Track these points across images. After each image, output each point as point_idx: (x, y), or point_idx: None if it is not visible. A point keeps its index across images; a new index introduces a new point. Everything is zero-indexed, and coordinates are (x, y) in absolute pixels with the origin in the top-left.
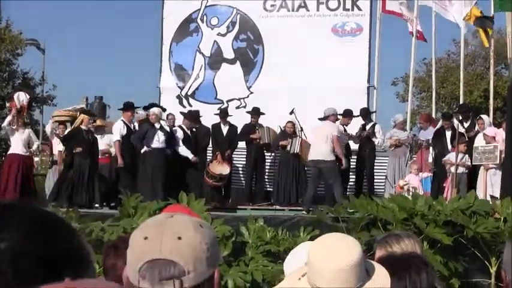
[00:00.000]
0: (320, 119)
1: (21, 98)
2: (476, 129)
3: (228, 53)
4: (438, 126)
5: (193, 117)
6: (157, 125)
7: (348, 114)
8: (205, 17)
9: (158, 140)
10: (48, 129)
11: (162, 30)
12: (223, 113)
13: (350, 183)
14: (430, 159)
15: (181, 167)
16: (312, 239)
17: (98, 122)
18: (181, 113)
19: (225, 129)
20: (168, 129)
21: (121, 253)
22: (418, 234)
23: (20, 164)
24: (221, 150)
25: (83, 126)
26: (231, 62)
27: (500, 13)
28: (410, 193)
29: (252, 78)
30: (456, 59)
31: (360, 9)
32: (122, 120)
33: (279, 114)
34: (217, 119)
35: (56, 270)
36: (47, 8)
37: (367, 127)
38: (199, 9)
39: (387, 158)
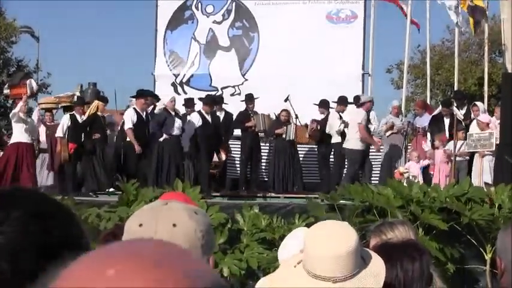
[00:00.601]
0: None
1: (33, 84)
2: (471, 116)
3: (224, 41)
4: (436, 112)
5: (214, 101)
6: (173, 113)
7: (342, 101)
8: (200, 4)
9: (178, 128)
10: (35, 116)
11: (156, 17)
12: (218, 101)
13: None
14: (426, 148)
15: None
16: (307, 226)
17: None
18: (199, 98)
19: (220, 116)
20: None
21: (118, 240)
22: (413, 220)
23: (29, 152)
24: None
25: (99, 113)
26: (227, 49)
27: (495, 0)
28: (409, 180)
29: (247, 66)
30: (451, 46)
31: None
32: (134, 108)
33: (274, 101)
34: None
35: (54, 258)
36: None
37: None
38: None
39: (383, 146)
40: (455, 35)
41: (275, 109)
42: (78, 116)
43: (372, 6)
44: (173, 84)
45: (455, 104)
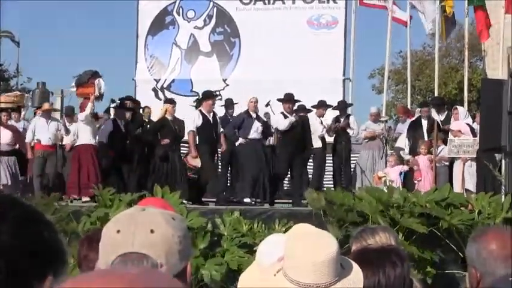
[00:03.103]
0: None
1: (102, 84)
2: (452, 121)
3: (205, 46)
4: (415, 117)
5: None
6: (253, 115)
7: (322, 105)
8: (181, 9)
9: (256, 131)
10: None
11: (137, 22)
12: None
13: (326, 176)
14: (403, 154)
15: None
16: (286, 231)
17: (46, 106)
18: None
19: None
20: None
21: (95, 245)
22: (393, 225)
23: (96, 154)
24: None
25: (168, 116)
26: (208, 55)
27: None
28: (387, 185)
29: (228, 71)
30: (432, 51)
31: (335, 1)
32: (200, 110)
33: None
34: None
35: (43, 265)
36: (22, 2)
37: (341, 119)
38: (175, 2)
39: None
40: (436, 41)
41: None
42: (119, 122)
43: (353, 12)
44: (154, 90)
45: (433, 110)
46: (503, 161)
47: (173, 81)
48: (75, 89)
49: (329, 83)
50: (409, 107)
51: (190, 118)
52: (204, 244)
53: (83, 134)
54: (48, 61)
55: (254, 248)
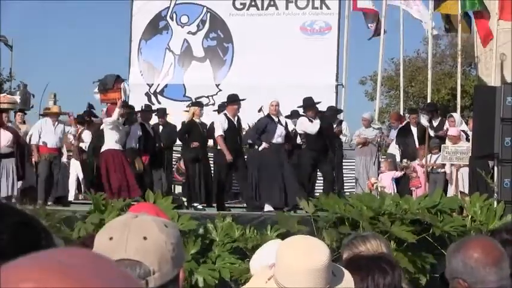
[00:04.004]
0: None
1: (127, 89)
2: (446, 128)
3: (198, 52)
4: (404, 123)
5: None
6: (276, 118)
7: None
8: (174, 15)
9: (280, 135)
10: None
11: (131, 27)
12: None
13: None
14: (397, 160)
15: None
16: (280, 236)
17: (54, 109)
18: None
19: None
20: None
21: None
22: (384, 233)
23: (125, 159)
24: None
25: (195, 119)
26: (201, 60)
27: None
28: (379, 191)
29: (221, 76)
30: (426, 57)
31: (328, 8)
32: (225, 113)
33: (248, 112)
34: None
35: None
36: (16, 5)
37: (334, 126)
38: (169, 7)
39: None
40: (429, 47)
41: (248, 119)
42: (147, 125)
43: (346, 18)
44: (147, 94)
45: (426, 117)
46: (495, 168)
47: (166, 86)
48: (98, 95)
49: (322, 88)
50: (401, 113)
51: (217, 122)
52: (196, 249)
53: (109, 139)
54: (41, 65)
55: (248, 254)
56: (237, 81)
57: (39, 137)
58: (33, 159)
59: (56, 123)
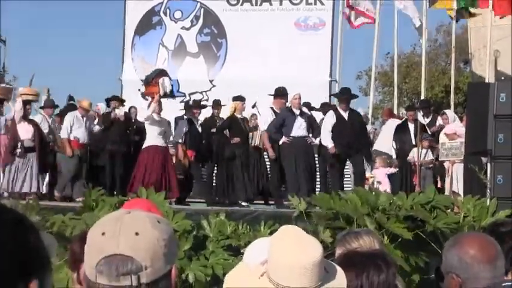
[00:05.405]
0: None
1: (167, 84)
2: (438, 124)
3: (192, 47)
4: (401, 120)
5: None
6: (297, 111)
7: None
8: (168, 10)
9: (299, 127)
10: (18, 108)
11: (124, 22)
12: (188, 106)
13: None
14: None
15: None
16: (272, 233)
17: (85, 104)
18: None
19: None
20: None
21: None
22: (379, 229)
23: (167, 156)
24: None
25: (237, 115)
26: (195, 55)
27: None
28: (374, 186)
29: (215, 72)
30: (421, 52)
31: (322, 3)
32: (271, 107)
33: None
34: (178, 112)
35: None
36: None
37: None
38: (162, 2)
39: None
40: (423, 44)
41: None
42: (194, 121)
43: (340, 14)
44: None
45: (421, 113)
46: (488, 165)
47: None
48: (143, 88)
49: (315, 84)
50: (395, 109)
51: (262, 116)
52: (188, 245)
53: (150, 135)
54: (35, 59)
55: (242, 251)
56: (230, 76)
57: (69, 132)
58: (67, 153)
59: (85, 118)
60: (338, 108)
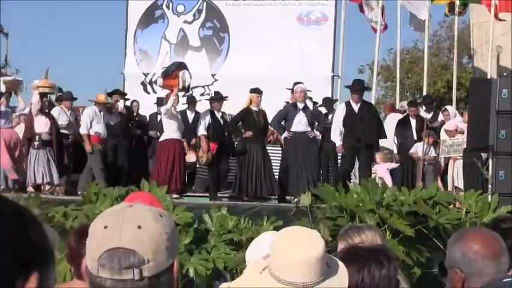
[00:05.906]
0: None
1: (187, 77)
2: (440, 120)
3: (194, 41)
4: (403, 115)
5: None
6: (300, 105)
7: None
8: (171, 3)
9: (300, 122)
10: (36, 101)
11: (127, 16)
12: (191, 100)
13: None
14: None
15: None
16: (274, 228)
17: (102, 99)
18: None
19: (191, 116)
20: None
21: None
22: (382, 224)
23: (181, 150)
24: (187, 137)
25: (253, 107)
26: (197, 49)
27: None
28: (377, 181)
29: (217, 66)
30: (423, 48)
31: None
32: (288, 101)
33: (243, 101)
34: (181, 106)
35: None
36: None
37: (330, 116)
38: None
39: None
40: (425, 39)
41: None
42: (216, 112)
43: (343, 8)
44: (143, 83)
45: (423, 108)
46: (490, 161)
47: None
48: (161, 80)
49: (318, 79)
50: (397, 104)
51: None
52: (189, 239)
53: (168, 128)
54: (37, 52)
55: (241, 245)
56: (233, 71)
57: (90, 127)
58: (87, 149)
59: (102, 112)
60: (350, 100)
